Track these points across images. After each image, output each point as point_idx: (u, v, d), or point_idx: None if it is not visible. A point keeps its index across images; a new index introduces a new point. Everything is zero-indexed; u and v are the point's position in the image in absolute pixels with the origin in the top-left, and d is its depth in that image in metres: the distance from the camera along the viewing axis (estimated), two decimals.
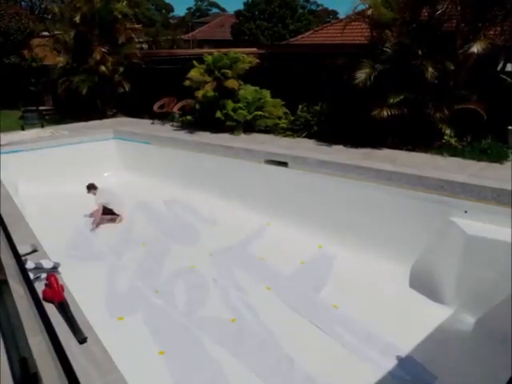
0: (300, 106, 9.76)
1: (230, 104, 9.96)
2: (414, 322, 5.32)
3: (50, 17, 21.11)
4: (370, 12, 8.05)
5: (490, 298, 5.20)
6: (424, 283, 5.98)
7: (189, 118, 11.33)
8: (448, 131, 7.73)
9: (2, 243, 2.90)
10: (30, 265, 3.78)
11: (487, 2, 7.19)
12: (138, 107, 13.04)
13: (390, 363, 4.61)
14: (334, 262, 6.69)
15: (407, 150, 7.87)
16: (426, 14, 7.78)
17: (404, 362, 4.63)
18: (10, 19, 17.59)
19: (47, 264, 4.00)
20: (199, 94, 10.12)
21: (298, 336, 5.07)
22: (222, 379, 4.37)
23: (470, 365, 4.65)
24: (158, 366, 4.49)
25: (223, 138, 9.66)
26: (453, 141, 7.83)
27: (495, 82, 7.70)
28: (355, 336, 5.03)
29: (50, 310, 3.28)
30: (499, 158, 7.12)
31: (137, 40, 14.14)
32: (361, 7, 8.34)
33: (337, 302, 5.71)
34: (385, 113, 7.54)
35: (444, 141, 7.84)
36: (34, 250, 4.12)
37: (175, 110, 11.79)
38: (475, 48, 6.94)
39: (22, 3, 22.83)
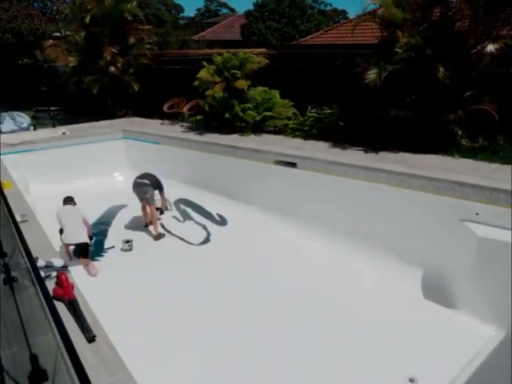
0: (309, 107, 9.72)
1: (237, 105, 9.96)
2: (427, 325, 5.28)
3: (61, 18, 21.31)
4: (380, 12, 7.99)
5: (505, 301, 5.12)
6: (436, 287, 5.92)
7: (198, 118, 11.37)
8: (460, 132, 7.64)
9: (14, 241, 2.94)
10: (40, 263, 3.82)
11: (500, 2, 7.10)
12: (147, 107, 13.11)
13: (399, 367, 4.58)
14: (339, 263, 6.65)
15: (418, 151, 7.78)
16: (438, 13, 7.70)
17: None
18: (22, 20, 17.80)
19: (58, 262, 4.04)
20: (209, 94, 10.14)
21: (300, 340, 5.07)
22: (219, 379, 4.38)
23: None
24: (167, 365, 4.51)
25: (232, 139, 9.66)
26: (464, 142, 7.74)
27: (508, 82, 7.60)
28: (366, 341, 5.00)
29: (60, 308, 3.31)
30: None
31: (147, 41, 14.19)
32: (371, 7, 8.29)
33: (343, 305, 5.68)
34: (396, 113, 7.48)
35: (456, 142, 7.75)
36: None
37: (185, 110, 11.84)
38: (488, 48, 6.86)
39: (35, 4, 23.06)
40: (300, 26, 27.54)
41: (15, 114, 12.02)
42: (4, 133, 10.75)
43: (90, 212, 8.52)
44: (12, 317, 2.54)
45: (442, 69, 6.96)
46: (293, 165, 8.00)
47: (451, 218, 5.99)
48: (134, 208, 8.88)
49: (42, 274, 3.64)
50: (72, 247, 6.43)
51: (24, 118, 12.05)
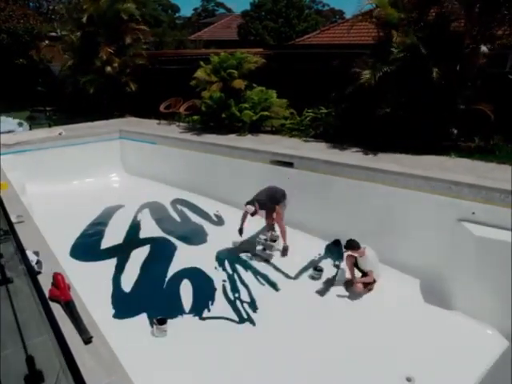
0: (306, 108, 9.72)
1: (234, 105, 9.94)
2: (424, 326, 5.30)
3: (57, 18, 21.21)
4: (376, 12, 8.01)
5: (504, 301, 5.13)
6: (435, 288, 5.92)
7: (195, 118, 11.35)
8: (456, 132, 7.66)
9: (10, 242, 2.92)
10: (32, 257, 3.79)
11: (495, 2, 7.12)
12: (144, 107, 13.08)
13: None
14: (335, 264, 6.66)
15: (414, 151, 7.79)
16: (434, 13, 7.72)
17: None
18: (17, 20, 17.70)
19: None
20: (206, 94, 10.13)
21: (306, 339, 5.06)
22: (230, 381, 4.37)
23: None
24: (164, 366, 4.49)
25: (229, 139, 9.65)
26: (461, 142, 7.76)
27: (503, 82, 7.63)
28: (364, 341, 5.01)
29: (56, 309, 3.29)
30: (508, 159, 7.05)
31: (143, 41, 14.13)
32: (368, 7, 8.31)
33: (341, 305, 5.69)
34: (393, 113, 7.50)
35: (452, 142, 7.77)
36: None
37: (181, 110, 11.81)
38: (483, 48, 6.88)
39: (30, 4, 22.94)
40: (297, 26, 27.51)
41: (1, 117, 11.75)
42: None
43: (86, 213, 8.54)
44: (7, 318, 2.53)
45: (436, 69, 6.97)
46: (290, 164, 8.00)
47: (448, 218, 6.01)
48: (130, 209, 8.88)
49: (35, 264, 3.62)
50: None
51: (9, 124, 11.75)
